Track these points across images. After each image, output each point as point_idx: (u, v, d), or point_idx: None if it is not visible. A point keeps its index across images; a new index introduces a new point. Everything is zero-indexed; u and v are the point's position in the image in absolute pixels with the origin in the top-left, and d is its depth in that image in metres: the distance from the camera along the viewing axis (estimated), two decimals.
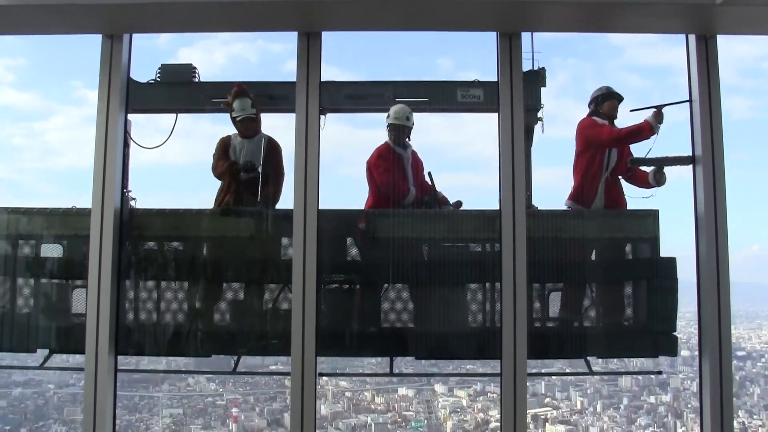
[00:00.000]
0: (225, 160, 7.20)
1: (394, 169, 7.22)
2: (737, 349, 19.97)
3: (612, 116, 7.32)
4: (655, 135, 7.03)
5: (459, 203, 7.39)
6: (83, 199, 6.16)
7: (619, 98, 7.37)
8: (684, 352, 6.79)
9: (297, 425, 5.79)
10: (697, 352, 5.97)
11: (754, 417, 21.19)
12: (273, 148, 7.23)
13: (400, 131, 7.31)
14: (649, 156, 7.12)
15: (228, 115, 7.16)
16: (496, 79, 6.29)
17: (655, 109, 6.99)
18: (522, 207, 5.95)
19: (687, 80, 6.35)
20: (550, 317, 6.67)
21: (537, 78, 7.31)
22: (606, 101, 7.35)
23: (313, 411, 5.81)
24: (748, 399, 21.29)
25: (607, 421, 19.47)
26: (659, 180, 7.12)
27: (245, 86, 7.19)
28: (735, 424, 6.10)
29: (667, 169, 7.07)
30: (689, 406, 16.60)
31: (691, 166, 6.48)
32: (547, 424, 19.45)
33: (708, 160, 5.98)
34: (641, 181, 7.29)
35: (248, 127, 7.21)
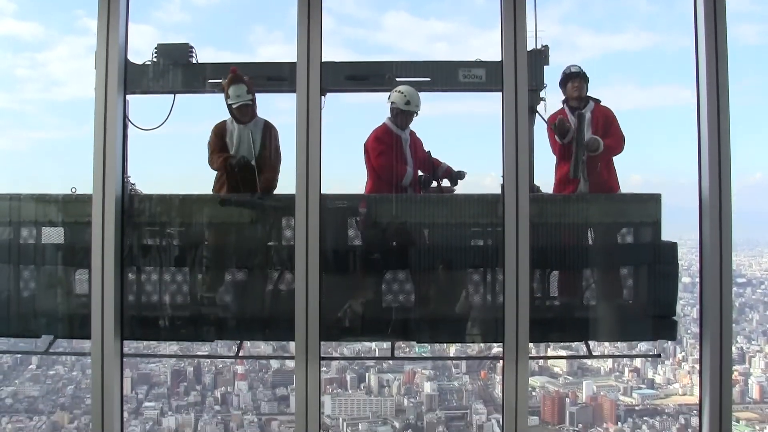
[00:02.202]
0: (219, 152, 7.15)
1: (390, 151, 7.18)
2: (737, 276, 20.16)
3: (575, 96, 7.37)
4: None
5: (462, 174, 7.38)
6: (86, 129, 6.08)
7: (577, 77, 7.39)
8: (685, 279, 6.83)
9: (302, 409, 5.85)
10: (697, 279, 5.94)
11: (753, 342, 21.56)
12: (270, 134, 7.20)
13: (409, 117, 7.28)
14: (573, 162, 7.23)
15: (243, 101, 7.09)
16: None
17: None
18: (525, 190, 5.85)
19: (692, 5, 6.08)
20: (551, 301, 6.72)
21: (540, 57, 7.22)
22: (565, 85, 7.41)
23: (318, 396, 5.87)
24: (747, 325, 21.62)
25: (608, 346, 19.77)
26: (593, 147, 7.21)
27: (240, 71, 7.07)
28: (733, 349, 6.19)
29: None
30: (689, 331, 16.77)
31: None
32: (548, 348, 19.75)
33: (712, 88, 5.82)
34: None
35: (244, 113, 7.13)
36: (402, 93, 7.25)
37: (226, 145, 7.18)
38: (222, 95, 7.11)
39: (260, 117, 7.23)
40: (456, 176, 7.50)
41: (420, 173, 7.41)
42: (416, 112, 7.33)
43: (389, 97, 7.33)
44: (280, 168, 7.22)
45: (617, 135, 7.30)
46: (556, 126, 7.14)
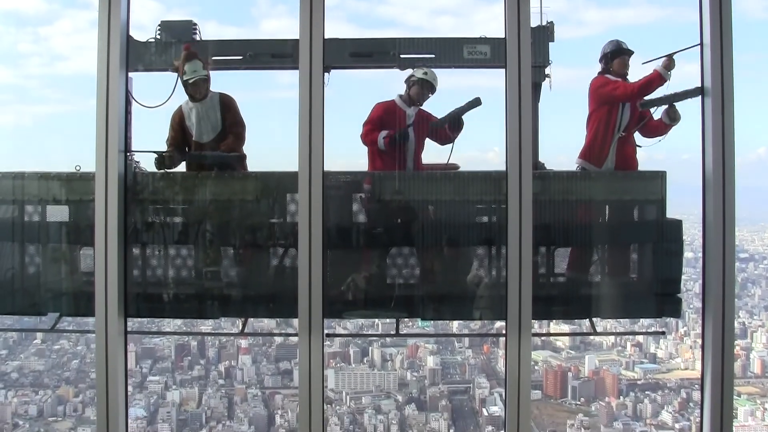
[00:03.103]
0: (176, 136, 7.25)
1: (379, 127, 7.23)
2: (740, 251, 20.20)
3: (622, 74, 7.21)
4: (667, 82, 6.98)
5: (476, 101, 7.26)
6: (91, 103, 6.05)
7: (629, 53, 7.23)
8: (688, 254, 6.85)
9: (305, 385, 5.87)
10: (700, 254, 5.94)
11: (755, 317, 21.70)
12: (226, 105, 7.20)
13: (422, 92, 7.30)
14: (657, 98, 7.07)
15: (199, 76, 7.07)
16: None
17: (665, 58, 6.92)
18: (528, 168, 5.83)
19: None
20: (555, 279, 6.73)
21: (545, 34, 7.17)
22: (616, 58, 7.22)
23: (321, 372, 5.89)
24: (749, 300, 21.76)
25: (611, 321, 19.84)
26: (673, 116, 7.06)
27: (195, 49, 7.10)
28: (736, 324, 6.19)
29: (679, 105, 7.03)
30: (691, 306, 16.84)
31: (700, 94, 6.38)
32: (551, 324, 19.88)
33: (716, 63, 5.74)
34: (655, 130, 7.23)
35: (200, 89, 7.10)
36: (422, 67, 7.25)
37: (186, 129, 7.20)
38: (226, 72, 7.09)
39: (214, 91, 7.22)
40: (466, 108, 7.31)
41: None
42: (430, 88, 7.29)
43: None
44: (244, 135, 7.31)
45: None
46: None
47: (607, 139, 7.16)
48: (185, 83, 7.09)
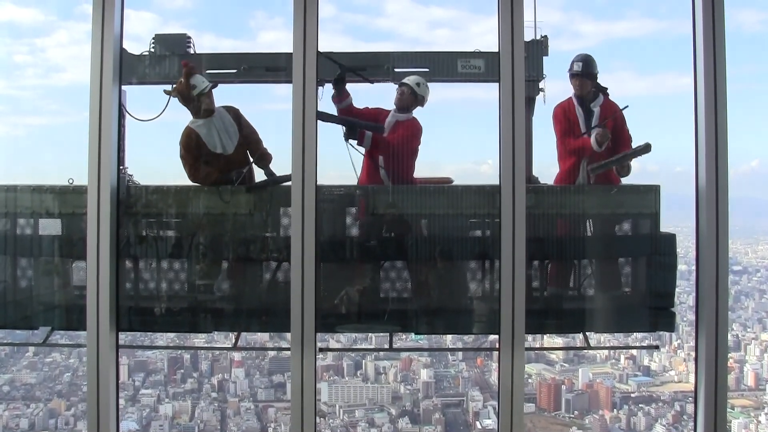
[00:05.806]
0: (204, 165, 7.03)
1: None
2: (734, 264, 20.22)
3: (579, 94, 7.25)
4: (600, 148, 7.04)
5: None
6: (86, 115, 6.02)
7: (573, 75, 7.23)
8: (681, 266, 6.85)
9: (297, 399, 5.85)
10: (693, 266, 5.93)
11: (748, 330, 21.69)
12: (236, 115, 7.14)
13: (408, 92, 7.22)
14: (606, 161, 7.06)
15: (209, 84, 6.93)
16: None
17: (600, 129, 7.04)
18: (522, 181, 5.83)
19: None
20: (548, 293, 6.72)
21: (539, 48, 7.18)
22: (571, 80, 7.27)
23: (314, 386, 5.86)
24: (743, 312, 21.75)
25: (605, 335, 19.87)
26: (622, 172, 7.09)
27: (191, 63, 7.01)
28: (729, 336, 6.19)
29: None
30: (685, 319, 16.82)
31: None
32: (545, 336, 19.83)
33: (710, 75, 5.76)
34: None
35: (210, 100, 6.94)
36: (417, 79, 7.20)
37: (203, 145, 7.01)
38: (222, 86, 7.04)
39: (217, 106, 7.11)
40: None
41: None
42: (415, 91, 7.20)
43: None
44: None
45: (627, 139, 7.24)
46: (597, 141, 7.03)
47: (575, 167, 7.20)
48: (196, 98, 6.89)
